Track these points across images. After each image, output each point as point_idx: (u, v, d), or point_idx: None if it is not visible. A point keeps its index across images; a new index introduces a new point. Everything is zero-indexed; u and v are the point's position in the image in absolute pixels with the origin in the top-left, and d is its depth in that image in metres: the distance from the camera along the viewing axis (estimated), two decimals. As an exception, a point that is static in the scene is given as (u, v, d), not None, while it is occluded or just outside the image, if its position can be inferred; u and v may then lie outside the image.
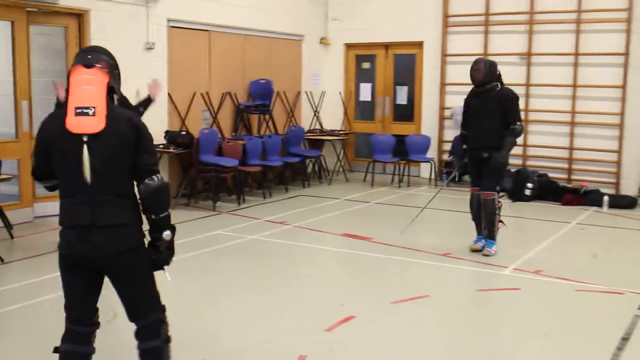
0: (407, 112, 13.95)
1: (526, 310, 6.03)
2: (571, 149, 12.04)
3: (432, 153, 13.03)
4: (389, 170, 13.27)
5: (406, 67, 13.87)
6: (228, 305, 5.98)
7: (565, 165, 12.09)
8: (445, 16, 13.03)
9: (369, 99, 14.30)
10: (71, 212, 3.51)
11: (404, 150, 12.92)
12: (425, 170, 13.20)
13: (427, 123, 13.38)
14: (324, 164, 13.36)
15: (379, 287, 6.63)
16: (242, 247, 8.05)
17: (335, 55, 14.39)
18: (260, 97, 12.16)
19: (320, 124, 14.06)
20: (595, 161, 11.85)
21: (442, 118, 13.24)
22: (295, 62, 13.66)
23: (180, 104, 11.00)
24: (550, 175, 11.77)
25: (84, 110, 3.40)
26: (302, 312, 5.86)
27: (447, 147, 13.14)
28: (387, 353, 4.97)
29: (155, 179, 3.54)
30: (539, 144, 12.17)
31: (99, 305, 3.74)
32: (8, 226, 8.12)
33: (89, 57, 3.55)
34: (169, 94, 10.70)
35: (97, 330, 3.77)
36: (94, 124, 3.41)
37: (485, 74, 7.40)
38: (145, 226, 3.62)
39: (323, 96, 14.18)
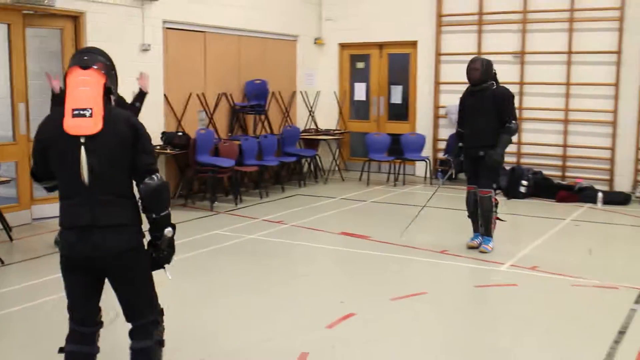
0: (401, 111, 14.02)
1: (523, 305, 6.11)
2: (565, 146, 12.12)
3: (427, 152, 13.09)
4: (384, 169, 13.34)
5: (400, 66, 13.93)
6: (228, 305, 6.03)
7: (560, 163, 12.18)
8: (439, 15, 13.10)
9: (363, 98, 14.36)
10: (71, 213, 3.53)
11: (399, 149, 12.98)
12: (420, 168, 13.27)
13: (422, 122, 13.45)
14: (319, 164, 13.41)
15: (377, 284, 6.69)
16: (241, 246, 8.10)
17: (330, 55, 14.44)
18: (256, 97, 12.21)
19: (316, 124, 14.12)
20: (589, 158, 11.94)
21: (436, 117, 13.30)
22: (290, 63, 13.71)
23: (176, 105, 11.04)
24: (545, 172, 11.86)
25: (81, 112, 3.42)
26: (303, 310, 5.92)
27: (442, 145, 13.21)
28: (388, 349, 5.03)
29: (155, 178, 3.56)
30: (533, 142, 12.24)
31: (101, 305, 3.77)
32: (7, 228, 8.14)
33: (85, 58, 3.56)
34: (165, 95, 10.74)
35: (101, 330, 3.80)
36: (91, 125, 3.42)
37: (482, 73, 7.48)
38: (145, 226, 3.64)
39: (318, 96, 14.24)
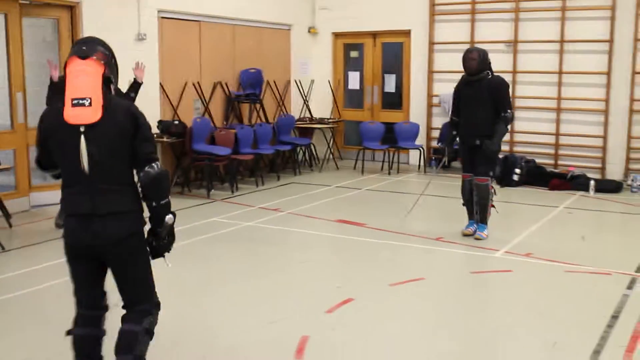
0: (395, 100, 14.09)
1: (518, 291, 6.22)
2: (557, 134, 12.23)
3: (420, 140, 13.17)
4: (379, 157, 13.42)
5: (394, 55, 14.00)
6: (227, 291, 6.11)
7: (552, 151, 12.29)
8: (432, 4, 13.16)
9: (357, 87, 14.41)
10: (72, 202, 3.60)
11: (393, 138, 13.06)
12: (414, 157, 13.36)
13: (416, 110, 13.53)
14: (314, 152, 13.49)
15: (375, 270, 6.79)
16: (238, 234, 8.18)
17: (324, 44, 14.49)
18: (251, 86, 12.27)
19: (310, 113, 14.18)
20: (581, 147, 12.05)
21: (430, 105, 13.39)
22: (284, 52, 13.76)
23: (171, 94, 11.09)
24: (538, 160, 11.96)
25: (80, 101, 3.46)
26: (302, 295, 6.02)
27: (436, 134, 13.29)
28: (388, 333, 5.13)
29: (155, 166, 3.60)
30: (526, 130, 12.35)
31: (107, 289, 3.85)
32: (7, 215, 8.21)
33: (84, 48, 3.60)
34: (160, 84, 10.79)
35: (107, 313, 3.88)
36: (91, 114, 3.46)
37: (479, 63, 7.55)
38: (146, 214, 3.70)
39: (312, 85, 14.29)
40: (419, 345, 4.96)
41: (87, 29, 9.39)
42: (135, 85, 8.05)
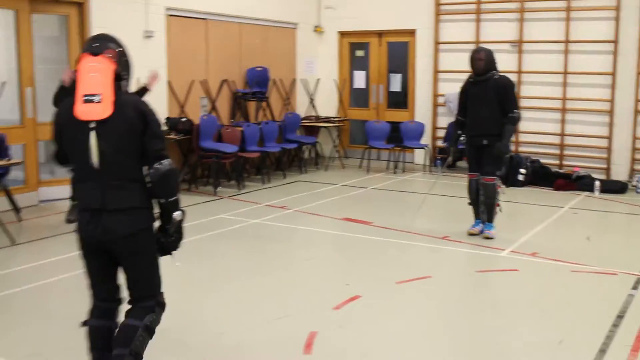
0: (400, 99, 14.14)
1: (524, 289, 6.27)
2: (562, 135, 12.27)
3: (426, 140, 13.22)
4: (384, 156, 13.46)
5: (399, 54, 14.03)
6: (234, 287, 6.17)
7: (557, 151, 12.33)
8: (438, 4, 13.20)
9: (363, 86, 14.46)
10: (84, 196, 3.66)
11: (399, 137, 13.11)
12: (419, 156, 13.41)
13: (421, 110, 13.57)
14: (319, 151, 13.54)
15: (382, 268, 6.84)
16: (245, 230, 8.24)
17: (329, 43, 14.54)
18: (257, 84, 12.33)
19: (316, 111, 14.23)
20: (586, 147, 12.09)
21: (435, 105, 13.43)
22: (290, 50, 13.81)
23: (179, 91, 11.15)
24: (542, 161, 12.00)
25: (91, 98, 3.50)
26: (309, 292, 6.07)
27: (441, 133, 13.34)
28: (395, 329, 5.18)
29: (165, 163, 3.62)
30: (531, 131, 12.38)
31: (121, 282, 3.89)
32: (16, 209, 8.27)
33: (96, 45, 3.65)
34: (168, 81, 10.84)
35: (121, 306, 3.93)
36: (101, 110, 3.50)
37: (486, 63, 7.61)
38: (156, 210, 3.73)
39: (318, 83, 14.34)
40: (426, 342, 5.01)
41: (96, 26, 9.46)
42: (142, 90, 8.08)
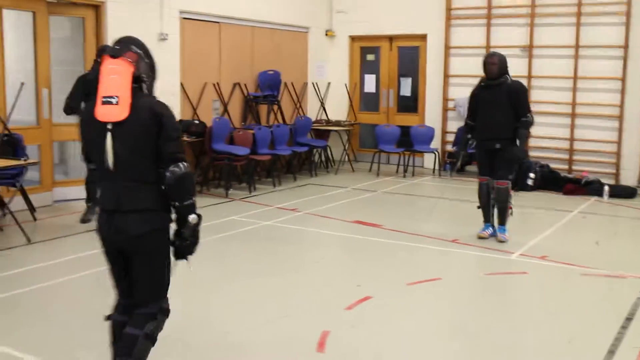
0: (411, 104, 14.22)
1: (533, 292, 6.35)
2: (572, 140, 12.33)
3: (435, 144, 13.29)
4: (394, 160, 13.54)
5: (410, 59, 14.13)
6: (248, 287, 6.26)
7: (566, 156, 12.38)
8: (448, 9, 13.28)
9: (373, 90, 14.55)
10: (102, 196, 3.74)
11: (409, 141, 13.19)
12: (429, 160, 13.47)
13: (431, 114, 13.64)
14: (330, 154, 13.63)
15: (392, 270, 6.92)
16: (257, 232, 8.33)
17: (340, 47, 14.63)
18: (269, 87, 12.43)
19: (326, 115, 14.32)
20: (596, 152, 12.14)
21: (445, 109, 13.50)
22: (302, 54, 13.91)
23: (191, 94, 11.26)
24: (552, 165, 12.05)
25: (109, 99, 3.56)
26: (321, 292, 6.16)
27: (451, 138, 13.41)
28: (406, 329, 5.27)
29: (181, 166, 3.61)
30: (541, 135, 12.42)
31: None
32: (32, 209, 8.38)
33: (117, 47, 3.70)
34: (181, 84, 10.96)
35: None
36: (118, 112, 3.56)
37: (499, 68, 7.69)
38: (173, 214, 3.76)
39: (329, 87, 14.43)
40: (437, 342, 5.09)
41: (111, 28, 9.60)
42: None
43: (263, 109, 12.73)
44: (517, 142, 7.68)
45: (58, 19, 9.56)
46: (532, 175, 11.53)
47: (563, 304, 5.96)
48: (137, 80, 3.65)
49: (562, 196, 11.09)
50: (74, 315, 5.43)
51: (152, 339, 3.77)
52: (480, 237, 8.05)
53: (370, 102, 14.71)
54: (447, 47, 13.35)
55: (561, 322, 5.52)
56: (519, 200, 10.21)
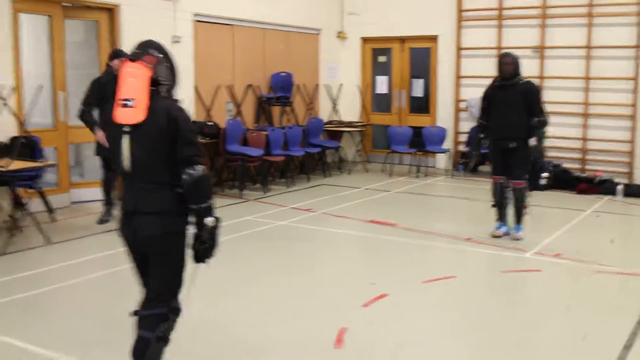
0: (422, 104, 14.26)
1: (548, 289, 6.40)
2: (584, 139, 12.34)
3: (447, 144, 13.33)
4: (406, 161, 13.58)
5: (421, 60, 14.16)
6: (265, 285, 6.34)
7: (579, 156, 12.40)
8: (460, 10, 13.32)
9: (385, 91, 14.60)
10: (123, 198, 3.81)
11: (421, 142, 13.24)
12: (441, 161, 13.52)
13: (443, 115, 13.69)
14: (342, 155, 13.69)
15: (407, 268, 6.98)
16: (272, 232, 8.41)
17: (352, 49, 14.70)
18: (282, 89, 12.51)
19: (339, 116, 14.38)
20: (609, 151, 12.15)
21: (457, 110, 13.54)
22: (313, 56, 13.99)
23: (205, 96, 11.35)
24: (565, 165, 12.08)
25: (126, 102, 3.62)
26: (338, 290, 6.23)
27: (463, 138, 13.45)
28: (422, 326, 5.33)
29: (197, 169, 3.60)
30: (553, 135, 12.39)
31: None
32: (50, 210, 8.48)
33: (137, 51, 3.75)
34: (195, 86, 11.05)
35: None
36: (134, 115, 3.60)
37: (513, 68, 7.74)
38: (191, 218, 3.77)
39: (341, 89, 14.50)
40: (452, 338, 5.15)
41: (125, 31, 9.72)
42: None
43: (276, 110, 12.81)
44: (532, 141, 7.72)
45: (73, 22, 9.66)
46: (545, 175, 11.53)
47: (579, 301, 6.00)
48: (155, 83, 3.69)
49: (576, 195, 11.11)
50: (93, 314, 5.52)
51: (164, 340, 3.80)
52: (494, 236, 8.10)
53: (382, 103, 14.76)
54: (459, 48, 13.39)
55: (576, 319, 5.56)
56: (533, 200, 10.21)
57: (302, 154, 12.33)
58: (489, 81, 8.21)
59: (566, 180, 11.55)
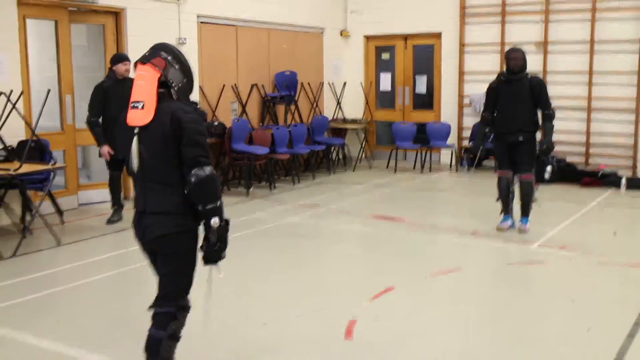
0: (426, 101, 14.35)
1: (553, 280, 6.48)
2: (588, 133, 12.39)
3: (451, 140, 13.39)
4: (410, 157, 13.68)
5: (425, 57, 14.24)
6: (275, 281, 6.44)
7: (583, 150, 12.45)
8: (462, 7, 13.38)
9: (389, 88, 14.68)
10: (135, 198, 3.90)
11: (425, 138, 13.31)
12: (445, 156, 13.60)
13: (447, 111, 13.76)
14: (347, 152, 13.78)
15: (413, 262, 7.08)
16: (280, 228, 8.50)
17: (356, 47, 14.78)
18: (286, 88, 12.60)
19: (343, 113, 14.47)
20: (612, 145, 12.20)
21: (460, 106, 13.61)
22: (317, 54, 14.08)
23: (210, 96, 11.45)
24: (568, 159, 12.14)
25: (135, 104, 3.70)
26: (345, 284, 6.34)
27: (467, 133, 13.51)
28: (429, 318, 5.43)
29: (204, 170, 3.62)
30: (557, 129, 12.38)
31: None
32: (59, 212, 8.59)
33: (147, 54, 3.80)
34: (200, 86, 11.15)
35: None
36: (142, 116, 3.67)
37: (522, 62, 7.83)
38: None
39: (345, 86, 14.58)
40: (458, 330, 5.23)
41: (131, 34, 9.82)
42: None
43: (280, 109, 12.91)
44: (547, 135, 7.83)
45: (79, 26, 9.77)
46: (549, 168, 11.55)
47: (583, 291, 6.08)
48: (163, 85, 3.74)
49: (579, 189, 11.17)
50: (104, 313, 5.63)
51: (175, 338, 3.86)
52: (499, 230, 8.17)
53: (386, 100, 14.85)
54: (462, 45, 13.46)
55: (581, 308, 5.65)
56: (537, 193, 10.30)
57: (307, 152, 12.42)
58: (492, 77, 8.31)
59: (570, 174, 11.61)
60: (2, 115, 7.91)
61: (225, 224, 3.73)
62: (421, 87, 14.37)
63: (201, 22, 11.23)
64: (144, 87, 3.70)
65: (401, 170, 13.07)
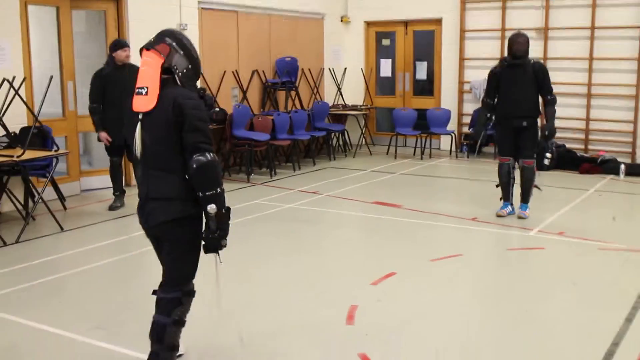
0: (426, 87, 14.36)
1: (553, 265, 6.52)
2: (588, 120, 12.43)
3: (452, 126, 13.42)
4: (410, 143, 13.71)
5: (425, 43, 14.25)
6: (275, 265, 6.50)
7: (582, 136, 12.49)
8: (463, -7, 13.41)
9: (389, 74, 14.70)
10: (138, 184, 3.92)
11: (425, 124, 13.34)
12: (445, 142, 13.63)
13: (447, 97, 13.78)
14: (347, 138, 13.82)
15: (414, 247, 7.13)
16: (281, 214, 8.55)
17: (356, 33, 14.78)
18: (287, 74, 12.61)
19: (343, 100, 14.49)
20: (612, 132, 12.24)
21: (461, 92, 13.63)
22: (318, 40, 14.08)
23: (211, 82, 11.47)
24: (568, 145, 12.18)
25: (140, 90, 3.72)
26: (347, 269, 6.40)
27: (467, 120, 13.54)
28: (431, 302, 5.48)
29: (206, 155, 3.63)
30: (557, 116, 12.40)
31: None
32: (62, 198, 8.63)
33: (152, 40, 3.81)
34: (201, 72, 11.13)
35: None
36: (146, 102, 3.70)
37: (526, 47, 7.85)
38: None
39: (345, 72, 14.59)
40: (459, 314, 5.28)
41: (132, 20, 9.82)
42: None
43: (281, 95, 12.93)
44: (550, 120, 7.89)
45: (80, 12, 9.77)
46: (548, 155, 11.61)
47: (582, 276, 6.13)
48: (167, 71, 3.75)
49: (579, 175, 11.21)
50: (107, 298, 5.67)
51: (180, 324, 3.89)
52: (499, 216, 8.22)
53: (386, 86, 14.86)
54: (462, 31, 13.46)
55: (580, 292, 5.72)
56: (536, 179, 10.33)
57: (307, 138, 12.46)
58: (492, 63, 8.34)
59: (569, 160, 11.65)
60: (4, 101, 7.93)
61: (226, 212, 3.73)
62: (421, 73, 14.39)
63: (202, 8, 11.24)
64: (148, 73, 3.72)
65: (401, 156, 13.11)
